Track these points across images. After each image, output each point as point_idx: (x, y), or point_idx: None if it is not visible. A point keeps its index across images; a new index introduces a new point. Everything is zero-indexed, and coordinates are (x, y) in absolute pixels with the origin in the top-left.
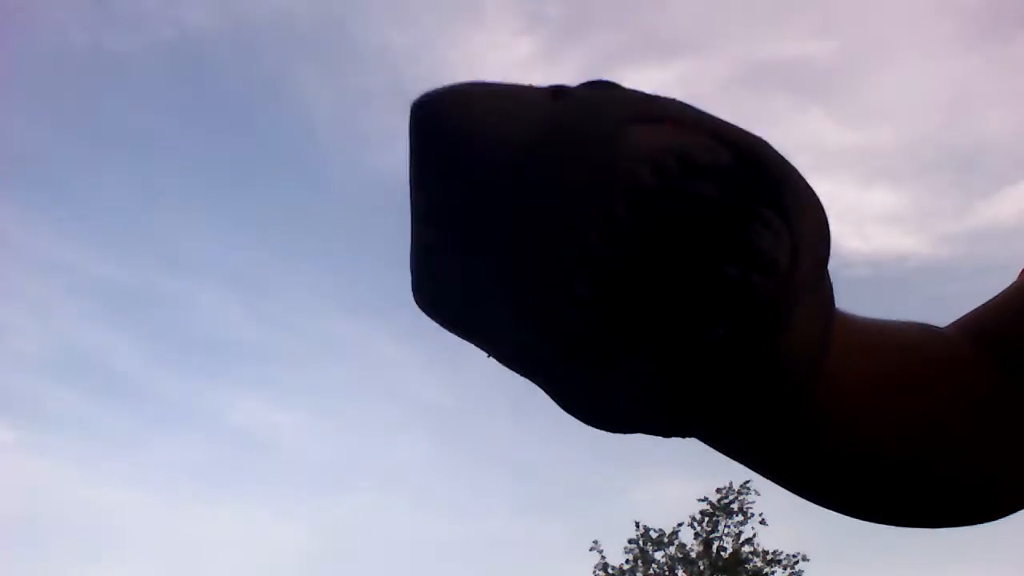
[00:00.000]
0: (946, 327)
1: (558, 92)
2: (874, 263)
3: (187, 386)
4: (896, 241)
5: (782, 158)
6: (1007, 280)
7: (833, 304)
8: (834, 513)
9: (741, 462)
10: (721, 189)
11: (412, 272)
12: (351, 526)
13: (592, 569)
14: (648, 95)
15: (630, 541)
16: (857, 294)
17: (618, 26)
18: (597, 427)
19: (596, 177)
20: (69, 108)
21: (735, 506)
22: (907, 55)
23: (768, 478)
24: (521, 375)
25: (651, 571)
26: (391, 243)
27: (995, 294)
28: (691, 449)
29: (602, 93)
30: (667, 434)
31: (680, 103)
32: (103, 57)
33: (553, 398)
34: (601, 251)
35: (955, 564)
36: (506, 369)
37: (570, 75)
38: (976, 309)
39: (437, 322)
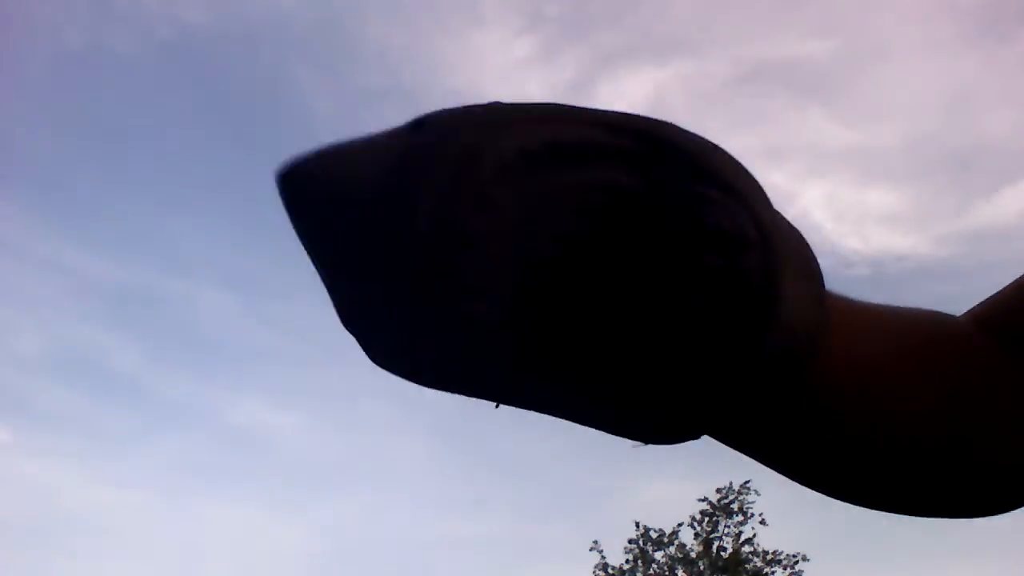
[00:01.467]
0: (957, 317)
1: (416, 124)
2: (874, 263)
3: (187, 386)
4: (895, 241)
5: (688, 132)
6: (1007, 279)
7: (820, 274)
8: (834, 512)
9: (745, 452)
10: (641, 176)
11: (346, 322)
12: (351, 526)
13: (592, 569)
14: (533, 104)
15: (630, 541)
16: (857, 294)
17: (618, 26)
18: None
19: (460, 173)
20: (69, 108)
21: (735, 506)
22: (907, 55)
23: (772, 467)
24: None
25: (651, 571)
26: None
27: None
28: (691, 449)
29: (469, 109)
30: (675, 437)
31: (568, 107)
32: (103, 57)
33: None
34: (496, 250)
35: (955, 563)
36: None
37: (570, 75)
38: (985, 300)
39: (393, 372)
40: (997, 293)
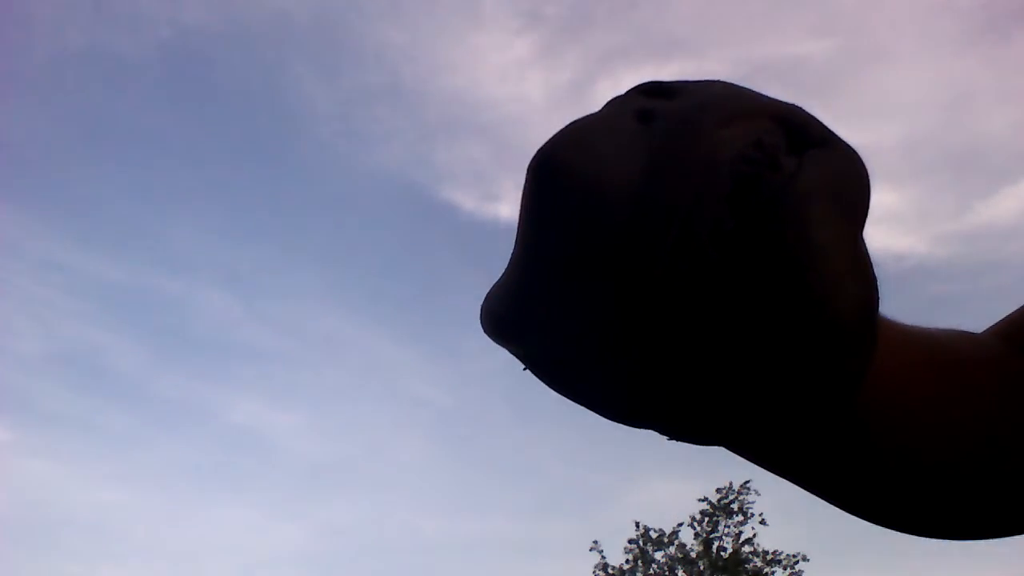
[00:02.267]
0: (979, 334)
1: (643, 115)
2: (873, 263)
3: (187, 386)
4: (895, 241)
5: (821, 124)
6: (1007, 279)
7: (874, 274)
8: (834, 512)
9: (782, 471)
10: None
11: (504, 299)
12: (350, 526)
13: (592, 569)
14: (710, 96)
15: (630, 541)
16: None
17: (617, 26)
18: (642, 425)
19: (706, 189)
20: (68, 108)
21: (735, 506)
22: (906, 55)
23: (807, 485)
24: (562, 385)
25: (651, 571)
26: (390, 243)
27: (1001, 293)
28: (691, 449)
29: (680, 108)
30: (713, 422)
31: (733, 89)
32: (102, 57)
33: (599, 406)
34: (712, 253)
35: (956, 563)
36: (526, 379)
37: (570, 75)
38: (1008, 315)
39: (507, 339)
40: (1019, 308)
